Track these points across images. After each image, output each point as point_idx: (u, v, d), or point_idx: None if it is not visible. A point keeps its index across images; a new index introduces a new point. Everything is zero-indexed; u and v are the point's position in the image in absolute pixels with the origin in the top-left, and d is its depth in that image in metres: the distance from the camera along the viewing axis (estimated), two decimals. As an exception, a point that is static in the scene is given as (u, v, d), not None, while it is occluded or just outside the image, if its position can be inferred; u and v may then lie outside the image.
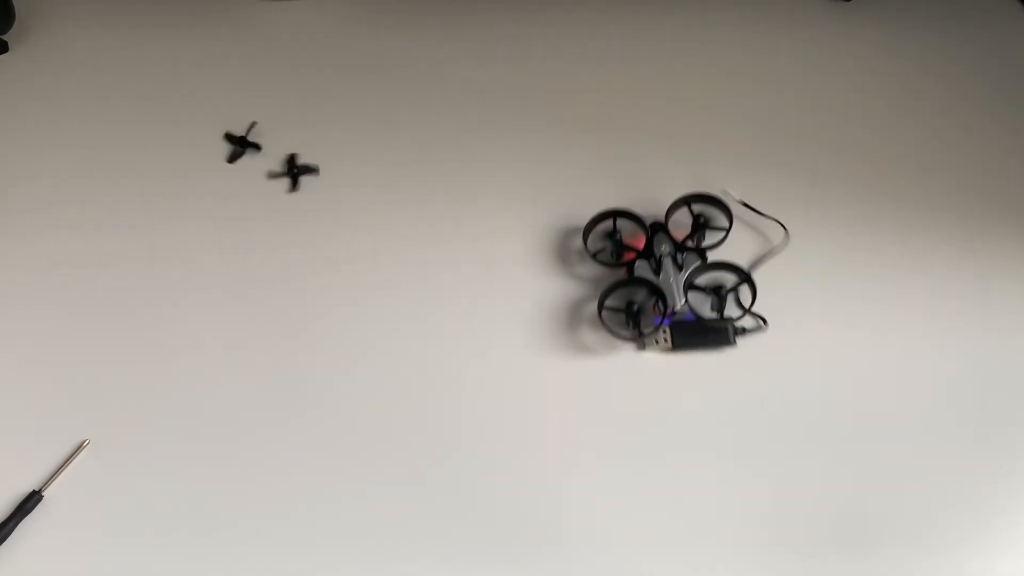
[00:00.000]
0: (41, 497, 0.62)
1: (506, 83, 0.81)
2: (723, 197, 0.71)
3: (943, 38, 0.84)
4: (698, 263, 0.70)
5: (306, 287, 0.71)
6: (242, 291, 0.71)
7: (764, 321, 0.69)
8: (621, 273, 0.70)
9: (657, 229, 0.70)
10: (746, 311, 0.69)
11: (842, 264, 0.72)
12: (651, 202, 0.73)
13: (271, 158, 0.76)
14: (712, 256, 0.71)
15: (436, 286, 0.71)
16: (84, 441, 0.65)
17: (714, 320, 0.69)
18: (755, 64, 0.82)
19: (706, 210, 0.72)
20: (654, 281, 0.69)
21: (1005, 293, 0.72)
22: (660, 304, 0.68)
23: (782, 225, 0.72)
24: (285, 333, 0.69)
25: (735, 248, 0.71)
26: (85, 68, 0.81)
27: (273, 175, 0.76)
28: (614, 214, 0.71)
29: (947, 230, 0.74)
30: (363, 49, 0.82)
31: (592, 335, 0.69)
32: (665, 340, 0.68)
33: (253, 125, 0.77)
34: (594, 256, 0.71)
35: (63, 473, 0.63)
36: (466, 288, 0.71)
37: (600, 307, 0.68)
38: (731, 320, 0.69)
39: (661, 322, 0.67)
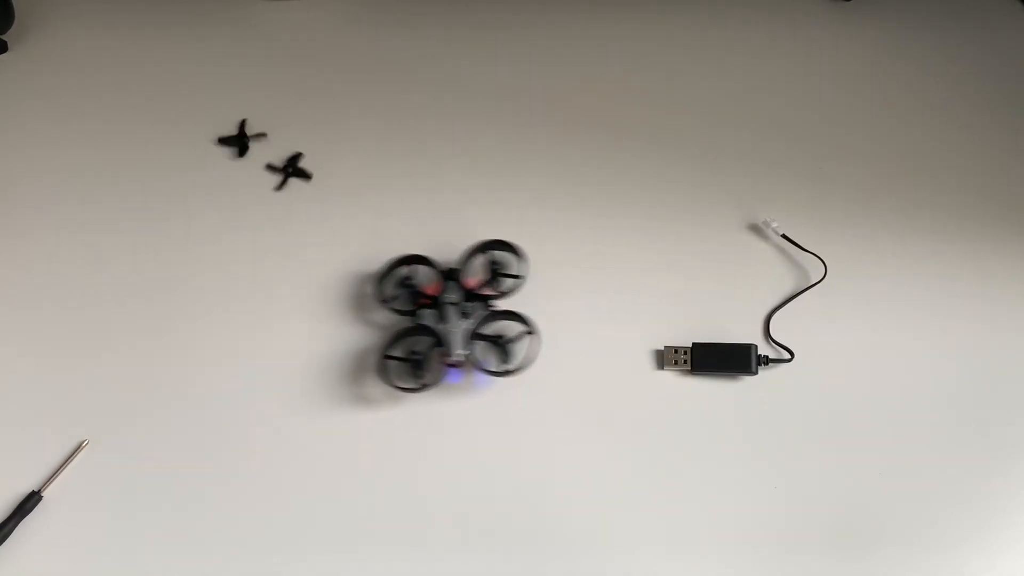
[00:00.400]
0: (41, 497, 0.62)
1: (508, 83, 0.81)
2: (517, 248, 0.69)
3: (943, 38, 0.84)
4: (485, 312, 0.67)
5: (309, 286, 0.71)
6: (242, 290, 0.71)
7: (787, 352, 0.69)
8: (408, 321, 0.68)
9: (448, 276, 0.68)
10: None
11: (841, 263, 0.72)
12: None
13: (271, 159, 0.76)
14: (507, 305, 0.68)
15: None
16: (83, 441, 0.65)
17: (736, 345, 0.67)
18: (754, 64, 0.82)
19: (503, 257, 0.69)
20: (436, 329, 0.66)
21: (1005, 292, 0.71)
22: (443, 353, 0.66)
23: (822, 261, 0.71)
24: (287, 332, 0.69)
25: (533, 295, 0.68)
26: (85, 68, 0.81)
27: (270, 168, 0.76)
28: (411, 260, 0.69)
29: (947, 230, 0.74)
30: (363, 49, 0.82)
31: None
32: (684, 361, 0.68)
33: (243, 123, 0.77)
34: (384, 303, 0.68)
35: (63, 473, 0.63)
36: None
37: (382, 356, 0.66)
38: (754, 346, 0.68)
39: (445, 373, 0.66)
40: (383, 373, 0.66)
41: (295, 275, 0.71)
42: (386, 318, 0.69)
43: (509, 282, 0.69)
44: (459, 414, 0.66)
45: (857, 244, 0.73)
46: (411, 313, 0.68)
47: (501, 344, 0.66)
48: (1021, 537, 0.63)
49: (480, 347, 0.67)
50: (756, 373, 0.67)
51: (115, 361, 0.68)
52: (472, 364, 0.66)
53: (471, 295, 0.68)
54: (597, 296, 0.71)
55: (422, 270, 0.69)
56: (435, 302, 0.67)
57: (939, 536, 0.63)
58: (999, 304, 0.71)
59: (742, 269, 0.72)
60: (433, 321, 0.67)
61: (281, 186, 0.75)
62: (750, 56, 0.82)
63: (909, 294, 0.71)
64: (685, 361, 0.68)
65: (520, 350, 0.67)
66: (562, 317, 0.70)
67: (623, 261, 0.72)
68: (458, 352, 0.65)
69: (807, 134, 0.78)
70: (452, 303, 0.67)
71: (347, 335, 0.69)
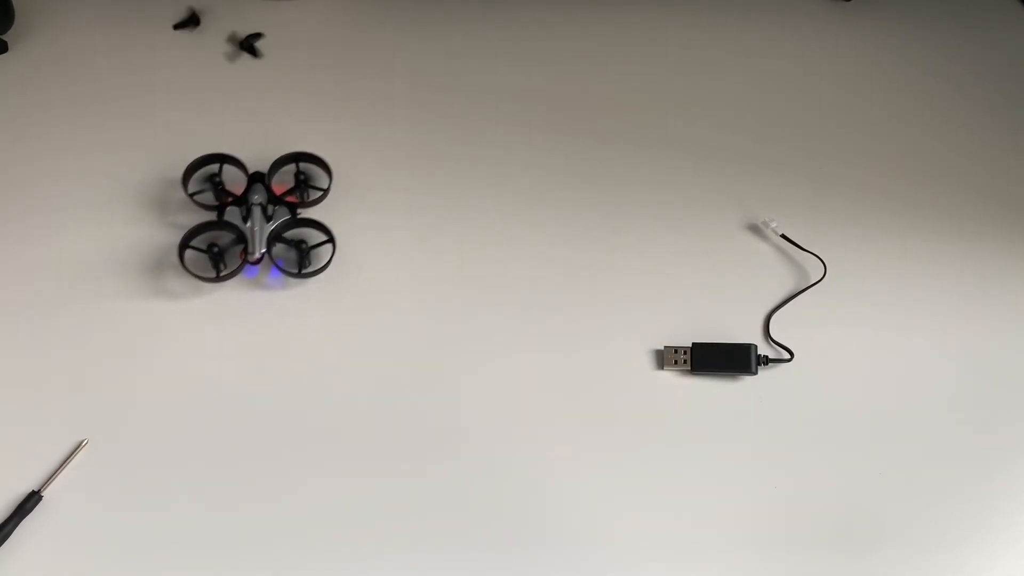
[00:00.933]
0: (41, 497, 0.62)
1: (510, 83, 0.81)
2: (324, 161, 0.74)
3: (943, 38, 0.84)
4: (287, 216, 0.71)
5: (309, 287, 0.71)
6: (241, 290, 0.71)
7: (785, 351, 0.69)
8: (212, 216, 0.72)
9: (255, 179, 0.72)
10: None
11: (840, 263, 0.72)
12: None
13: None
14: (308, 215, 0.72)
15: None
16: (83, 441, 0.64)
17: (736, 345, 0.68)
18: (752, 64, 0.82)
19: (311, 169, 0.74)
20: (240, 227, 0.70)
21: (1005, 292, 0.71)
22: (244, 251, 0.70)
23: (822, 261, 0.71)
24: (287, 333, 0.69)
25: (331, 208, 0.73)
26: (85, 68, 0.81)
27: (231, 47, 0.80)
28: (221, 159, 0.73)
29: (948, 230, 0.74)
30: (363, 49, 0.82)
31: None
32: (684, 361, 0.68)
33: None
34: (191, 196, 0.72)
35: (63, 473, 0.63)
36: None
37: (181, 247, 0.69)
38: (754, 346, 0.68)
39: (241, 266, 0.69)
40: (182, 262, 0.69)
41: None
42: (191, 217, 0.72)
43: (316, 194, 0.73)
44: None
45: (857, 244, 0.73)
46: (215, 209, 0.72)
47: (303, 249, 0.70)
48: (1021, 537, 0.63)
49: (280, 250, 0.71)
50: (756, 373, 0.67)
51: (115, 360, 0.68)
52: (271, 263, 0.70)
53: (275, 199, 0.72)
54: (597, 296, 0.71)
55: (230, 171, 0.73)
56: (238, 201, 0.71)
57: (939, 536, 0.63)
58: (999, 304, 0.71)
59: (742, 269, 0.72)
60: (236, 219, 0.71)
61: (254, 55, 0.79)
62: (750, 56, 0.82)
63: (909, 294, 0.71)
64: (685, 361, 0.68)
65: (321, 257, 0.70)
66: (564, 317, 0.70)
67: (623, 261, 0.72)
68: (260, 251, 0.69)
69: (807, 134, 0.78)
70: (259, 204, 0.71)
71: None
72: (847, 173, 0.76)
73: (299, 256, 0.70)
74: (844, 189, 0.76)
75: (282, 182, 0.73)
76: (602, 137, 0.78)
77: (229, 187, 0.72)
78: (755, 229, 0.73)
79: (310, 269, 0.70)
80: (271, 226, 0.71)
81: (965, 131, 0.79)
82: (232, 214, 0.71)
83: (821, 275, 0.71)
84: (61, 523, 0.62)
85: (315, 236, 0.72)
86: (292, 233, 0.72)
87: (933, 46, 0.83)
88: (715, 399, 0.67)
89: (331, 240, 0.71)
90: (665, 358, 0.68)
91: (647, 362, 0.69)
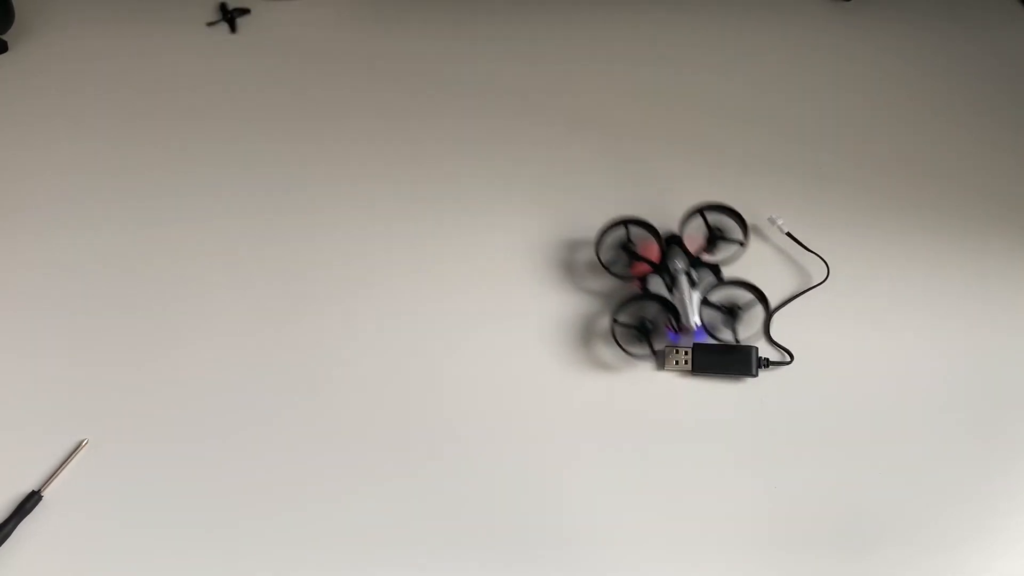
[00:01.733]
0: (40, 497, 0.62)
1: (510, 84, 0.81)
2: (734, 209, 0.69)
3: (943, 38, 0.84)
4: (713, 280, 0.67)
5: (308, 287, 0.71)
6: (242, 291, 0.71)
7: (789, 352, 0.69)
8: (633, 286, 0.68)
9: (671, 242, 0.68)
10: (770, 341, 0.67)
11: (841, 264, 0.72)
12: (659, 211, 0.71)
13: (273, 161, 0.76)
14: (727, 272, 0.69)
15: (439, 290, 0.71)
16: (83, 441, 0.64)
17: (738, 347, 0.67)
18: (754, 65, 0.82)
19: (721, 220, 0.70)
20: (668, 297, 0.67)
21: (1005, 293, 0.71)
22: (673, 321, 0.66)
23: (825, 261, 0.71)
24: (286, 333, 0.69)
25: (750, 261, 0.69)
26: (85, 68, 0.81)
27: (210, 24, 0.82)
28: (626, 222, 0.69)
29: (947, 230, 0.74)
30: (363, 48, 0.82)
31: (606, 351, 0.68)
32: (686, 362, 0.68)
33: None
34: (607, 267, 0.69)
35: (63, 473, 0.63)
36: (472, 299, 0.70)
37: (612, 323, 0.66)
38: (755, 348, 0.67)
39: (671, 336, 0.66)
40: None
41: (297, 277, 0.72)
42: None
43: (731, 247, 0.68)
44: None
45: (857, 244, 0.73)
46: (629, 278, 0.68)
47: (737, 314, 0.65)
48: (1021, 537, 0.63)
49: (708, 314, 0.67)
50: (756, 375, 0.67)
51: (116, 361, 0.68)
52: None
53: (695, 261, 0.67)
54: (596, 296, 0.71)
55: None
56: (658, 268, 0.67)
57: (939, 536, 0.63)
58: (999, 305, 0.71)
59: (743, 269, 0.72)
60: (661, 288, 0.67)
61: (233, 30, 0.80)
62: (751, 56, 0.82)
63: (909, 295, 0.71)
64: (686, 362, 0.68)
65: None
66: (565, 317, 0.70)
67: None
68: (695, 320, 0.65)
69: (807, 134, 0.78)
70: (683, 270, 0.66)
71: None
72: (847, 173, 0.76)
73: (730, 321, 0.66)
74: (844, 189, 0.75)
75: (690, 239, 0.69)
76: (611, 135, 0.78)
77: None
78: (756, 229, 0.73)
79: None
80: (697, 292, 0.66)
81: (965, 131, 0.79)
82: (655, 282, 0.68)
83: (824, 276, 0.71)
84: (61, 523, 0.62)
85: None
86: (719, 296, 0.67)
87: (933, 46, 0.83)
88: (716, 401, 0.67)
89: (763, 300, 0.66)
90: (666, 359, 0.68)
91: (648, 362, 0.68)
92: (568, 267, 0.71)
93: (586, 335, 0.68)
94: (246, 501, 0.64)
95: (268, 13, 0.84)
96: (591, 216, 0.71)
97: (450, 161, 0.77)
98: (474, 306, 0.70)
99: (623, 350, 0.66)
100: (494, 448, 0.66)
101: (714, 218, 0.70)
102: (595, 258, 0.69)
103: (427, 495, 0.64)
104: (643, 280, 0.68)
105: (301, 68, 0.81)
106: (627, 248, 0.68)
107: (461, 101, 0.80)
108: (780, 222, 0.72)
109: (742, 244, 0.69)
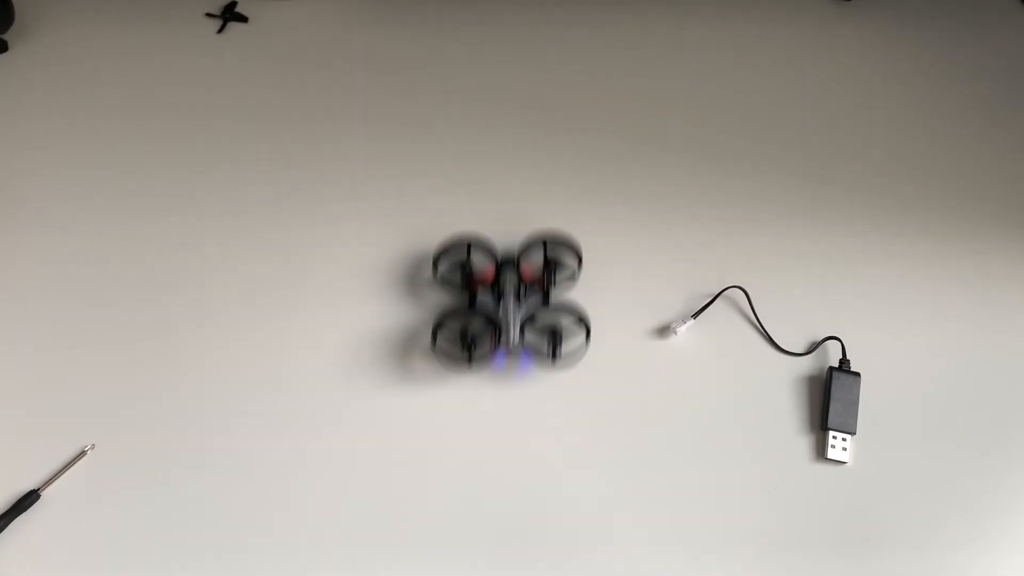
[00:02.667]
0: (39, 496, 0.62)
1: (510, 84, 0.81)
2: (573, 241, 0.70)
3: (943, 38, 0.84)
4: (539, 303, 0.68)
5: (309, 287, 0.71)
6: (242, 293, 0.71)
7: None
8: (463, 301, 0.69)
9: (506, 263, 0.69)
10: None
11: (840, 264, 0.72)
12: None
13: (274, 163, 0.77)
14: (559, 298, 0.69)
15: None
16: (87, 446, 0.64)
17: None
18: (754, 64, 0.82)
19: (559, 251, 0.70)
20: (491, 315, 0.67)
21: (1005, 293, 0.71)
22: (496, 338, 0.66)
23: (743, 290, 0.70)
24: (287, 333, 0.69)
25: (585, 290, 0.70)
26: (85, 67, 0.81)
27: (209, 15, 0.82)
28: (468, 243, 0.70)
29: (948, 231, 0.74)
30: (363, 48, 0.82)
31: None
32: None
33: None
34: (440, 280, 0.70)
35: (62, 474, 0.63)
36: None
37: (435, 331, 0.66)
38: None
39: (495, 354, 0.66)
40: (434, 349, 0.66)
41: (296, 280, 0.72)
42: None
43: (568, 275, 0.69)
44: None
45: (857, 244, 0.73)
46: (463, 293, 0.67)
47: (556, 336, 0.66)
48: (1020, 538, 0.63)
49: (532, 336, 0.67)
50: None
51: (118, 362, 0.68)
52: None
53: (526, 285, 0.69)
54: (597, 296, 0.71)
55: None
56: (491, 286, 0.68)
57: (939, 536, 0.63)
58: (999, 305, 0.71)
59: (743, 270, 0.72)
60: (488, 305, 0.67)
61: (221, 30, 0.79)
62: (750, 56, 0.83)
63: (909, 295, 0.71)
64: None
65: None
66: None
67: (622, 261, 0.72)
68: (514, 338, 0.65)
69: (807, 134, 0.78)
70: (511, 292, 0.67)
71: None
72: (847, 173, 0.76)
73: (551, 342, 0.66)
74: (844, 189, 0.76)
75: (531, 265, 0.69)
76: (610, 136, 0.78)
77: None
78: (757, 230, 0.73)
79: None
80: (522, 312, 0.67)
81: (965, 131, 0.79)
82: (484, 300, 0.68)
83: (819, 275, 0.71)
84: (58, 523, 0.62)
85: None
86: (544, 319, 0.67)
87: (933, 46, 0.83)
88: (716, 399, 0.67)
89: (585, 325, 0.66)
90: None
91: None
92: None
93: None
94: (245, 503, 0.63)
95: (268, 13, 0.84)
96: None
97: (450, 162, 0.77)
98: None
99: (443, 359, 0.66)
100: (505, 448, 0.65)
101: (553, 248, 0.70)
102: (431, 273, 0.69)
103: (424, 495, 0.64)
104: (473, 296, 0.68)
105: (301, 68, 0.81)
106: (464, 266, 0.69)
107: (461, 101, 0.80)
108: (681, 329, 0.70)
109: (573, 278, 0.70)
